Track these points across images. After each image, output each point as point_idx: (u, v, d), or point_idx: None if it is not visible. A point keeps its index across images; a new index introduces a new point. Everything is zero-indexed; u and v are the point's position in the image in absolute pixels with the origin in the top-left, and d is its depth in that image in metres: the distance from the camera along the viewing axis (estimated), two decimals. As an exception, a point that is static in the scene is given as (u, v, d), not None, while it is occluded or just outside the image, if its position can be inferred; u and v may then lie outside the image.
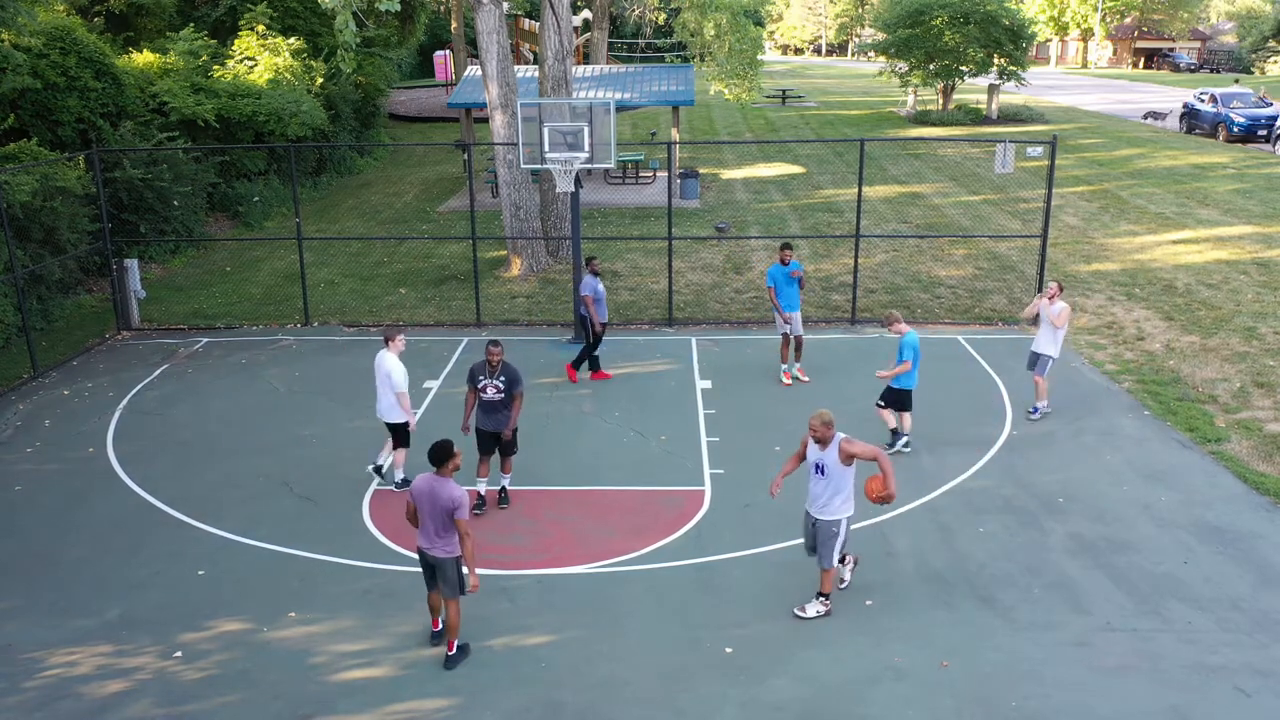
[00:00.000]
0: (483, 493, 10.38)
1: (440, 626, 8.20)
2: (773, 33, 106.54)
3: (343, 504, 10.65)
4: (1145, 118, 40.80)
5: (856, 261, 16.53)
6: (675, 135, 28.08)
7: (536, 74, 24.03)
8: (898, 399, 11.58)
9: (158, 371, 14.76)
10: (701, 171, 28.91)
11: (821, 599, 8.57)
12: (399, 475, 10.98)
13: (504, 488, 10.58)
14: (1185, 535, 9.80)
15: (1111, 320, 16.48)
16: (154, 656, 8.12)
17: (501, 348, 10.05)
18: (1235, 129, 34.57)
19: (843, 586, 8.93)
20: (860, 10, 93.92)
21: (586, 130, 14.30)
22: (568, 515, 10.32)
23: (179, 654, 8.15)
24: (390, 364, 10.50)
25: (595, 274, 14.00)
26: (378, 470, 11.21)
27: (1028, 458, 11.50)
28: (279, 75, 26.18)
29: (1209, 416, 12.61)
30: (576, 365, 14.03)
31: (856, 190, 16.77)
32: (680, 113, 29.15)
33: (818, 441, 8.29)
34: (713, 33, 27.05)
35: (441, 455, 7.66)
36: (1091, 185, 27.68)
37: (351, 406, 13.27)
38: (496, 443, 10.22)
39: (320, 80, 28.29)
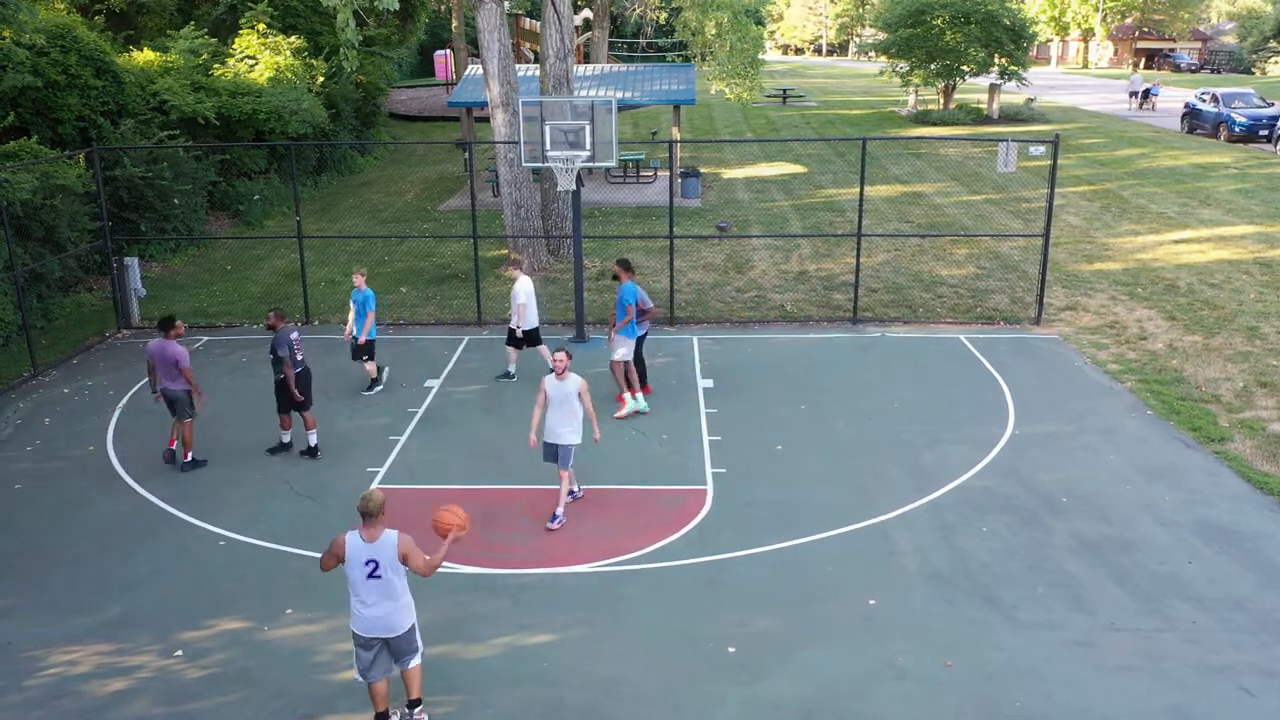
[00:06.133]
0: (284, 440, 11.92)
1: (176, 444, 11.46)
2: (773, 32, 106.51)
3: (342, 502, 10.62)
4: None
5: (858, 260, 16.50)
6: (676, 134, 28.07)
7: (537, 73, 24.00)
8: (363, 349, 13.56)
9: (158, 370, 14.73)
10: (703, 171, 28.87)
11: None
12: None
13: (309, 445, 11.74)
14: (1188, 535, 9.77)
15: (1114, 320, 16.45)
16: (154, 655, 8.09)
17: (273, 316, 11.41)
18: (1237, 129, 34.55)
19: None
20: (861, 10, 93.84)
21: (588, 129, 14.26)
22: (569, 514, 10.29)
23: (179, 652, 8.12)
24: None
25: None
26: (509, 375, 13.98)
27: (1030, 457, 11.47)
28: (280, 74, 26.15)
29: (1212, 416, 12.57)
30: None
31: (858, 189, 16.74)
32: (681, 112, 29.11)
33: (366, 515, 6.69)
34: (714, 32, 27.11)
35: (167, 324, 11.16)
36: (1093, 185, 27.65)
37: (351, 405, 13.26)
38: (287, 399, 11.67)
39: (321, 79, 28.27)
